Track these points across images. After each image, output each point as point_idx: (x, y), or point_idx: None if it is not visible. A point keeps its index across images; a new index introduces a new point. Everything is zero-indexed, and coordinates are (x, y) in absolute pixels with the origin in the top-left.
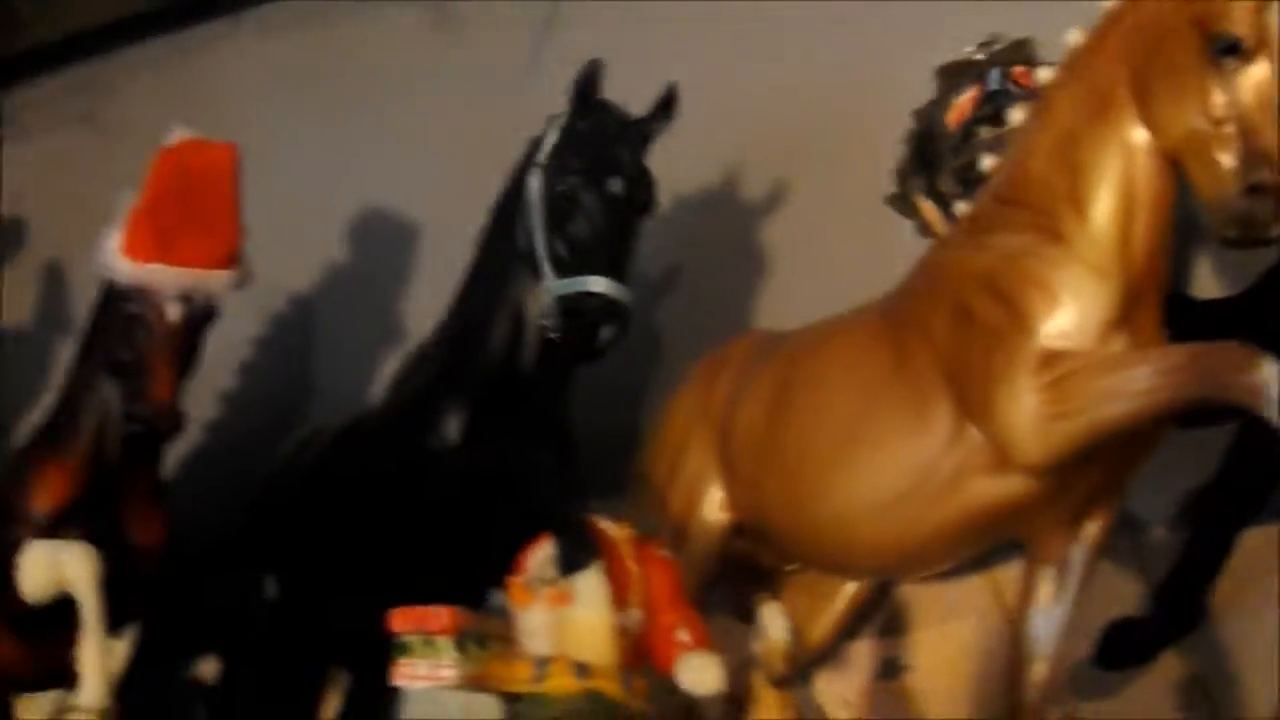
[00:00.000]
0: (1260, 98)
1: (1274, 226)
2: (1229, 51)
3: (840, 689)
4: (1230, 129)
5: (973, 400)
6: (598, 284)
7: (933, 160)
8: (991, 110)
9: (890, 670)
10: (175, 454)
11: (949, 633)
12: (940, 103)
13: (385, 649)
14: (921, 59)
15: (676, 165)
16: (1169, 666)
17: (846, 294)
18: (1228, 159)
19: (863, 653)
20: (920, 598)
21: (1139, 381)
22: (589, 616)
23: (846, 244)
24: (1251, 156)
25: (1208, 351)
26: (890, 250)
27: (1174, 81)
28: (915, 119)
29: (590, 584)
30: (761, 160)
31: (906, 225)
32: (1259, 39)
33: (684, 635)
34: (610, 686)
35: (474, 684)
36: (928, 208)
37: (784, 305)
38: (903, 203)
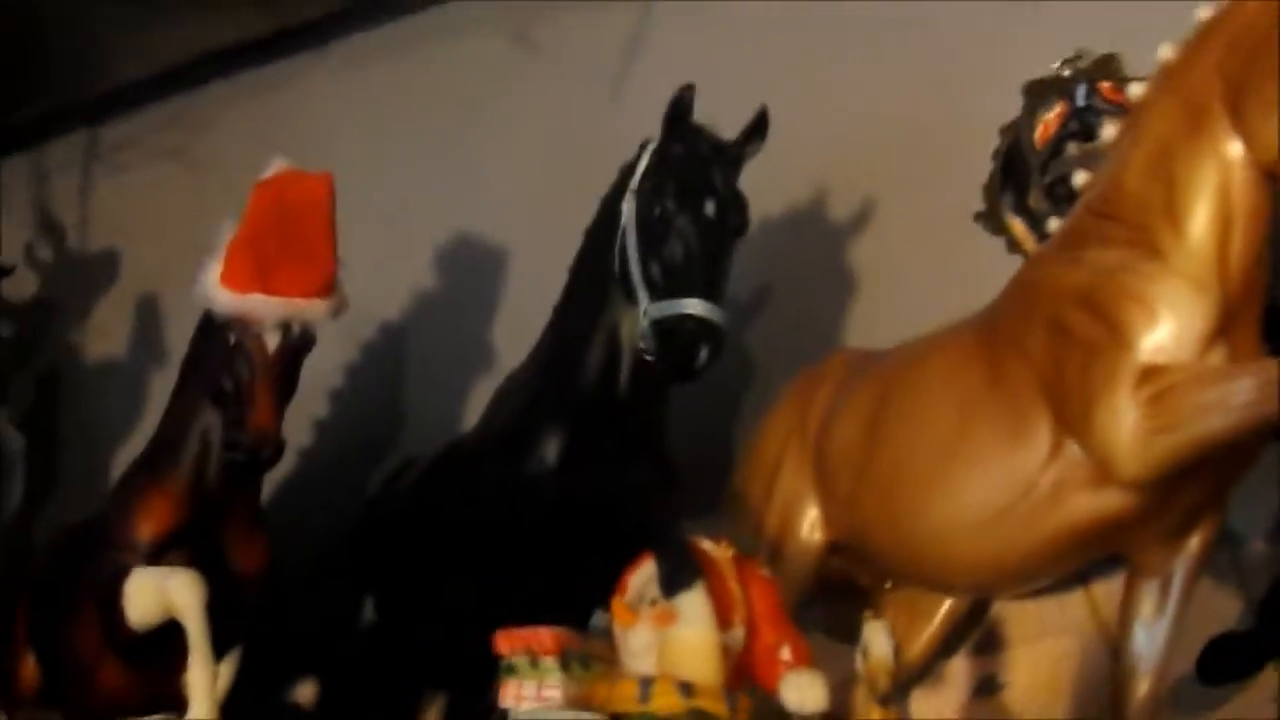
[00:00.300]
0: None
1: None
2: None
3: (937, 707)
4: None
5: (1072, 416)
6: (694, 306)
7: (1021, 177)
8: (1079, 126)
9: (987, 687)
10: (270, 479)
11: (1046, 649)
12: (1027, 119)
13: (483, 671)
14: (1008, 75)
15: (765, 185)
16: (1270, 680)
17: (935, 312)
18: None
19: (959, 670)
20: (1016, 614)
21: (1240, 395)
22: (693, 636)
23: (935, 262)
24: None
25: None
26: (979, 267)
27: (1269, 95)
28: (1003, 136)
29: (694, 603)
30: (849, 179)
31: (995, 242)
32: None
33: (787, 654)
34: (715, 706)
35: (580, 704)
36: (1017, 224)
37: (874, 324)
38: (991, 220)
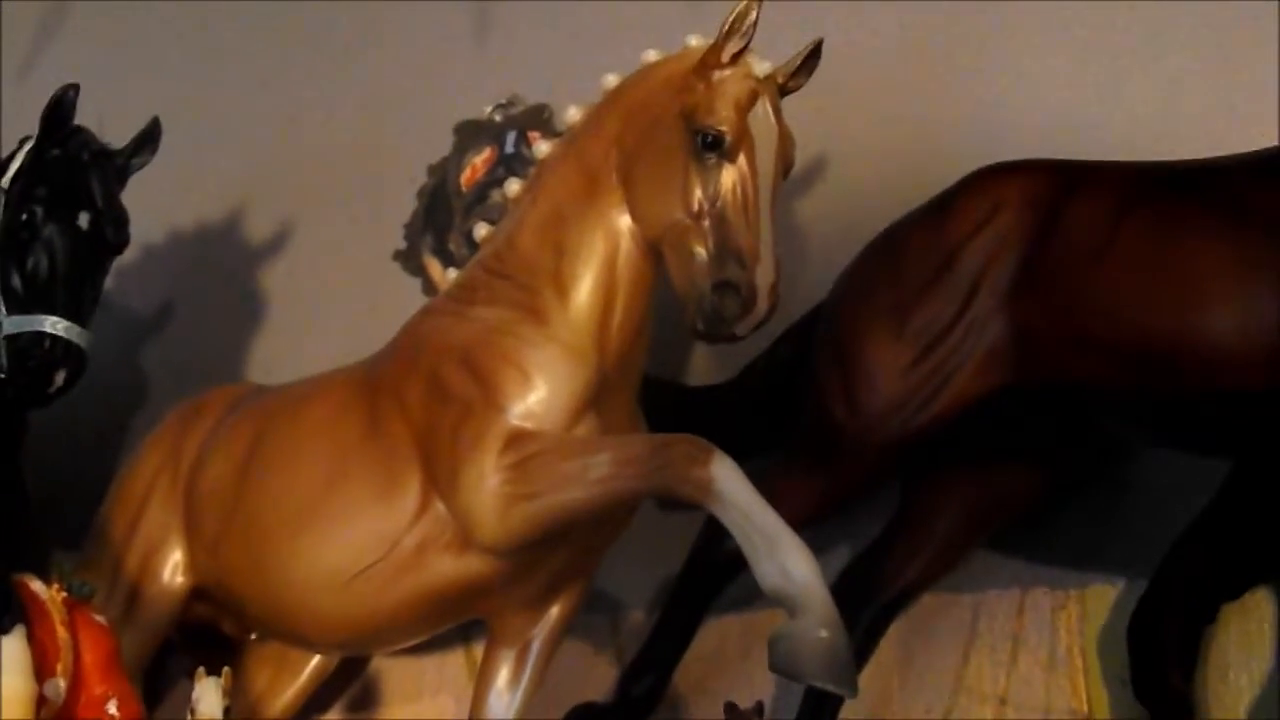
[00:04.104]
0: (737, 195)
1: (740, 324)
2: (711, 147)
3: None
4: (707, 224)
5: (440, 475)
6: (54, 325)
7: (444, 218)
8: (506, 173)
9: None
10: None
11: (423, 711)
12: (456, 160)
13: None
14: (442, 112)
15: (173, 197)
16: None
17: (346, 350)
18: (702, 253)
19: None
20: (395, 672)
21: (598, 469)
22: (5, 684)
23: (350, 297)
24: (723, 253)
25: (666, 444)
26: (395, 307)
27: (660, 171)
28: (430, 175)
29: (10, 649)
30: (267, 202)
31: (414, 283)
32: (740, 137)
33: (114, 709)
34: None
35: None
36: (435, 267)
37: (281, 356)
38: (410, 260)
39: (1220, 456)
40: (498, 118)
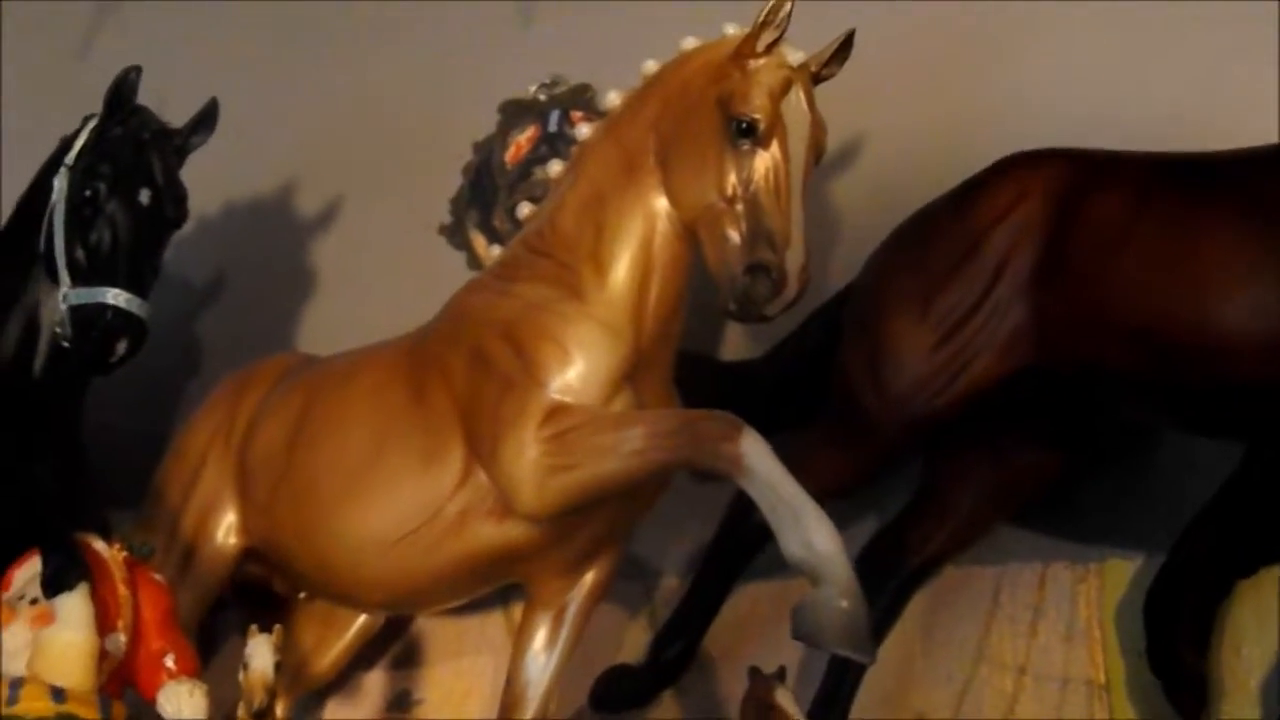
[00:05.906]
0: (769, 180)
1: (770, 305)
2: (746, 133)
3: (351, 718)
4: (741, 208)
5: (482, 445)
6: (115, 296)
7: (489, 195)
8: (549, 151)
9: (401, 703)
10: None
11: (464, 668)
12: (501, 138)
13: None
14: (489, 90)
15: (229, 173)
16: (669, 710)
17: (393, 321)
18: (735, 236)
19: (375, 683)
20: (437, 631)
21: (632, 442)
22: (69, 638)
23: (397, 270)
24: (755, 236)
25: (698, 418)
26: (440, 281)
27: (696, 156)
28: (476, 152)
29: (74, 605)
30: (318, 177)
31: (458, 256)
32: (773, 124)
33: (171, 662)
34: (86, 712)
35: None
36: (479, 242)
37: (330, 327)
38: (456, 234)
39: (1236, 441)
40: (542, 97)
